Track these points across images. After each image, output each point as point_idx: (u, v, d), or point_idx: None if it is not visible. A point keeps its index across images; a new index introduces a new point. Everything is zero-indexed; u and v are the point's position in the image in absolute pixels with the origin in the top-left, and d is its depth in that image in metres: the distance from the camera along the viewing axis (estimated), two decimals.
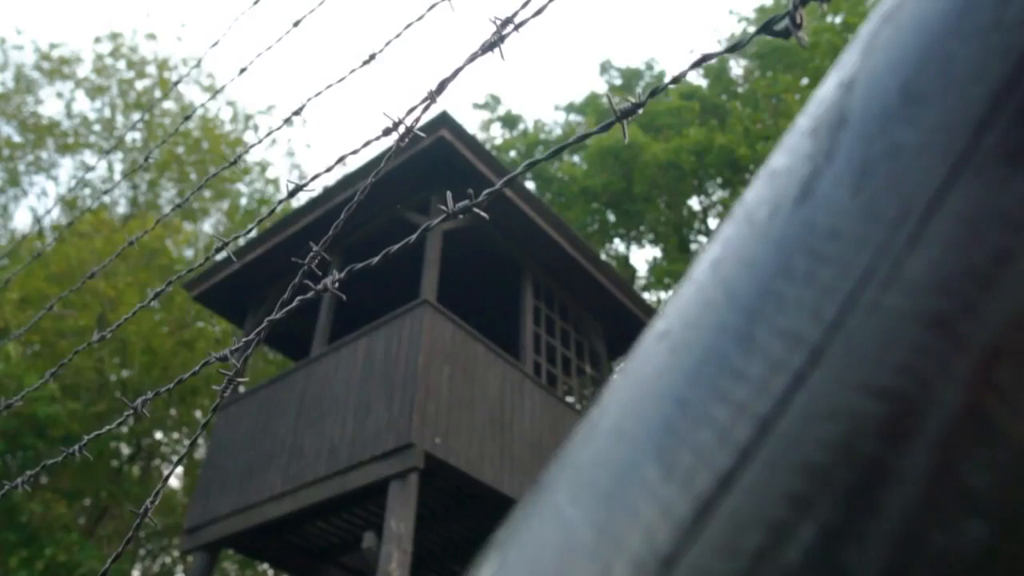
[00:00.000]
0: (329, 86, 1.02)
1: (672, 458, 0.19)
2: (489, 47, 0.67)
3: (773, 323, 0.20)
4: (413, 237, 0.69)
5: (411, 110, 0.73)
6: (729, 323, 0.21)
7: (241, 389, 8.05)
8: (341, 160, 0.80)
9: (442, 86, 0.72)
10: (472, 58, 0.68)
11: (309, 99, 1.04)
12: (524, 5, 0.67)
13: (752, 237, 0.23)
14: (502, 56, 0.67)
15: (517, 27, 0.67)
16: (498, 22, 0.67)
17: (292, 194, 0.84)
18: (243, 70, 1.29)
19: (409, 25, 0.91)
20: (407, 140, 0.75)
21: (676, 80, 0.52)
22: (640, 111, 0.50)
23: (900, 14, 0.24)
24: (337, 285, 0.72)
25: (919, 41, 0.22)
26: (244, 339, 0.76)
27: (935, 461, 0.17)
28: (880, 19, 0.25)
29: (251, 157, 17.40)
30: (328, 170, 0.81)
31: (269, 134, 1.08)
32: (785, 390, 0.19)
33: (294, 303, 0.75)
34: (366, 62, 0.95)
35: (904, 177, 0.20)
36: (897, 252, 0.19)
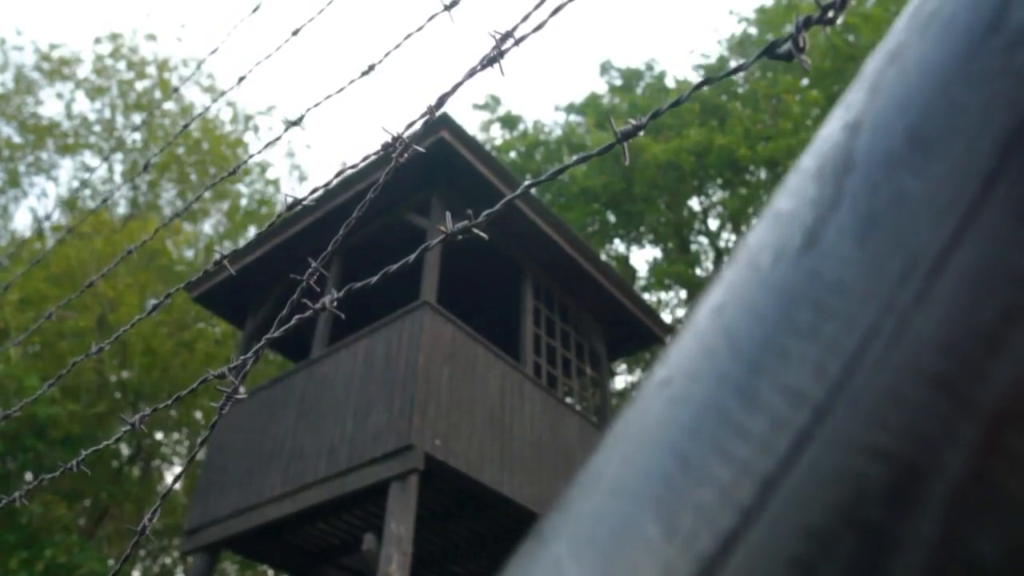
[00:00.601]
0: (328, 96, 1.02)
1: (673, 517, 0.19)
2: (489, 62, 0.67)
3: (776, 378, 0.20)
4: (412, 257, 0.69)
5: (410, 125, 0.72)
6: (731, 375, 0.21)
7: (242, 389, 8.04)
8: (340, 175, 0.80)
9: (441, 101, 0.71)
10: (471, 73, 0.68)
11: (308, 109, 1.03)
12: (524, 19, 0.67)
13: (755, 284, 0.22)
14: (502, 71, 0.66)
15: (517, 41, 0.66)
16: (497, 36, 0.67)
17: (291, 208, 0.84)
18: (242, 78, 1.29)
19: (409, 36, 0.91)
20: (406, 156, 0.74)
21: (677, 103, 0.52)
22: (641, 133, 0.50)
23: (906, 54, 0.23)
24: (336, 304, 0.72)
25: (925, 84, 0.22)
26: (242, 357, 0.76)
27: (941, 529, 0.16)
28: (885, 58, 0.24)
29: (251, 158, 17.38)
30: (327, 185, 0.81)
31: (267, 145, 1.07)
32: (789, 450, 0.18)
33: (292, 321, 0.75)
34: (365, 72, 0.95)
35: (911, 229, 0.20)
36: (903, 309, 0.19)
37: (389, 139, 0.72)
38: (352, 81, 0.96)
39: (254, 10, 1.33)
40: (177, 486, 16.75)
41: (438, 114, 5.50)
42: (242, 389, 0.72)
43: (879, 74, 0.24)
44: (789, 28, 0.40)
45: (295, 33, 1.21)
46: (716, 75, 0.49)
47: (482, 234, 0.63)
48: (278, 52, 1.23)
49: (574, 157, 0.57)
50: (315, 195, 0.89)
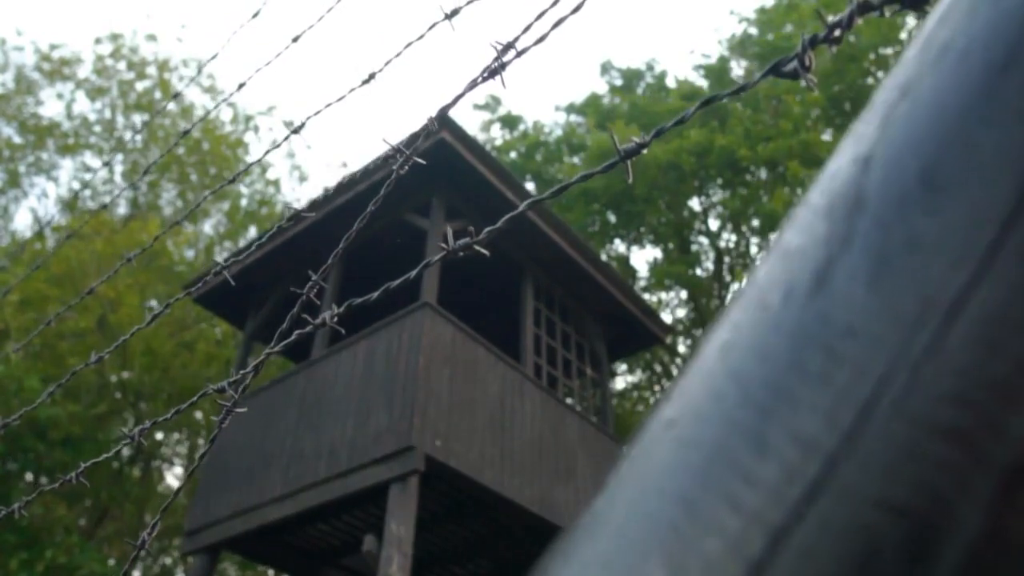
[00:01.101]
0: (329, 104, 1.01)
1: (680, 567, 0.18)
2: (490, 73, 0.66)
3: (787, 424, 0.19)
4: (413, 273, 0.68)
5: (411, 137, 0.72)
6: (740, 419, 0.20)
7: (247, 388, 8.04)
8: (339, 187, 0.80)
9: (442, 113, 0.71)
10: (473, 85, 0.67)
11: (309, 117, 1.03)
12: (525, 30, 0.66)
13: (764, 324, 0.22)
14: (503, 83, 0.66)
15: (519, 53, 0.66)
16: (499, 47, 0.66)
17: (291, 219, 0.84)
18: (242, 85, 1.28)
19: (409, 44, 0.90)
20: (407, 168, 0.74)
21: (681, 121, 0.52)
22: (644, 151, 0.50)
23: (918, 88, 0.23)
24: (335, 319, 0.71)
25: (939, 122, 0.21)
26: (242, 371, 0.76)
27: None
28: (898, 90, 0.24)
29: (251, 158, 17.38)
30: (326, 198, 0.81)
31: (267, 152, 1.07)
32: (799, 500, 0.18)
33: (292, 336, 0.75)
34: (365, 81, 0.95)
35: (924, 274, 0.19)
36: (916, 358, 0.18)
37: (390, 150, 0.72)
38: (352, 90, 0.96)
39: (254, 15, 1.32)
40: (176, 484, 16.76)
41: (439, 112, 5.50)
42: (241, 403, 0.72)
43: (890, 107, 0.24)
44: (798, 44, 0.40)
45: (295, 40, 1.20)
46: (720, 93, 0.48)
47: (483, 251, 0.63)
48: (278, 49, 1.23)
49: (577, 176, 0.56)
50: (313, 210, 0.88)
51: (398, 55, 0.91)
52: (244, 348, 8.73)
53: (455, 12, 0.81)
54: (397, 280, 0.71)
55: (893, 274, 0.20)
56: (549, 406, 7.66)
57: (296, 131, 1.06)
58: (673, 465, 0.21)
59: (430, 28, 0.85)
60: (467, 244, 0.63)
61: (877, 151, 0.23)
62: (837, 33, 0.39)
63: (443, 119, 5.77)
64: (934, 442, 0.17)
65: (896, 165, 0.22)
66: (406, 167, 0.74)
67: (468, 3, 0.81)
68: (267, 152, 1.06)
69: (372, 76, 0.94)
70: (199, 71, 1.57)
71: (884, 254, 0.21)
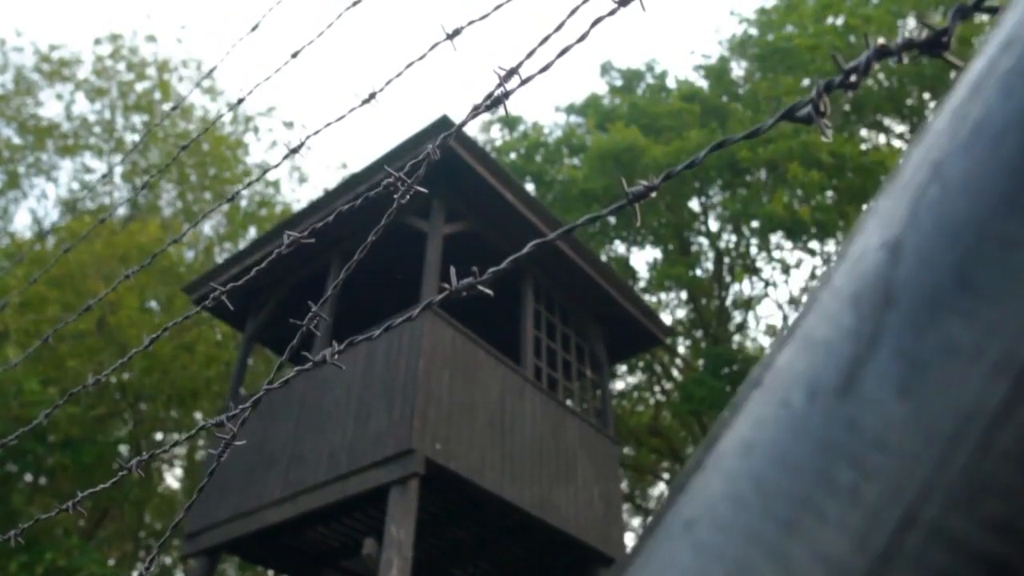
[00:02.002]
0: (328, 124, 1.00)
1: None
2: (494, 102, 0.65)
3: (813, 543, 0.18)
4: (416, 312, 0.67)
5: (412, 163, 0.71)
6: (763, 533, 0.19)
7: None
8: (341, 213, 0.78)
9: (444, 140, 0.70)
10: (475, 113, 0.66)
11: (308, 136, 1.02)
12: (529, 55, 0.65)
13: (787, 425, 0.21)
14: (506, 112, 0.65)
15: (524, 81, 0.65)
16: (502, 72, 0.65)
17: (290, 246, 0.83)
18: (241, 100, 1.27)
19: (410, 64, 0.89)
20: (408, 197, 0.73)
21: (691, 165, 0.50)
22: (653, 194, 0.49)
23: (951, 170, 0.21)
24: (336, 356, 0.70)
25: (974, 213, 0.20)
26: (240, 407, 0.75)
27: None
28: (927, 169, 0.22)
29: (251, 159, 17.38)
30: (325, 223, 0.80)
31: (265, 172, 1.06)
32: None
33: (293, 372, 0.74)
34: (366, 101, 0.93)
35: (960, 384, 0.18)
36: (953, 477, 0.17)
37: (392, 178, 0.71)
38: (353, 109, 0.95)
39: (252, 28, 1.31)
40: (176, 486, 16.75)
41: (439, 114, 5.47)
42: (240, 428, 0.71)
43: (920, 189, 0.22)
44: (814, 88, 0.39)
45: (294, 55, 1.19)
46: (732, 137, 0.47)
47: (487, 291, 0.62)
48: (277, 54, 1.22)
49: (584, 218, 0.55)
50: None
51: (399, 75, 0.90)
52: (244, 349, 8.72)
53: (456, 32, 0.80)
54: (399, 319, 0.70)
55: (926, 382, 0.19)
56: (549, 408, 7.65)
57: (296, 150, 1.04)
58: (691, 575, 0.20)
59: (432, 48, 0.84)
60: (470, 285, 0.61)
61: (907, 239, 0.22)
62: (854, 78, 0.37)
63: (443, 123, 5.77)
64: (974, 572, 0.16)
65: (928, 259, 0.21)
66: (407, 196, 0.72)
67: (469, 23, 0.79)
68: (265, 172, 1.05)
69: (373, 96, 0.92)
70: (198, 84, 1.56)
71: (916, 359, 0.19)
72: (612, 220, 14.48)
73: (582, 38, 0.61)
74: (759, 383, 0.23)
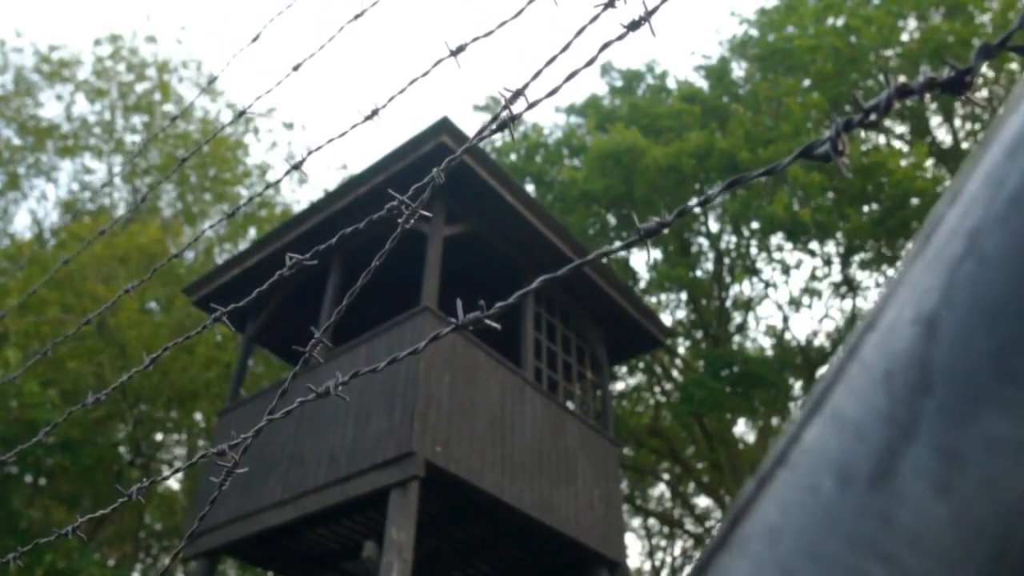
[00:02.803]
0: (330, 140, 0.99)
1: None
2: (500, 126, 0.64)
3: None
4: (422, 345, 0.66)
5: (416, 188, 0.70)
6: None
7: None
8: (343, 237, 0.77)
9: (448, 166, 0.69)
10: (480, 137, 0.65)
11: (310, 152, 1.01)
12: (535, 76, 0.64)
13: (816, 513, 0.20)
14: (512, 136, 0.64)
15: (531, 105, 0.64)
16: (507, 95, 0.64)
17: (292, 268, 0.82)
18: (242, 113, 1.26)
19: (413, 81, 0.88)
20: (412, 222, 0.72)
21: (706, 202, 0.50)
22: (666, 231, 0.48)
23: (988, 244, 0.20)
24: (340, 388, 0.69)
25: (1015, 294, 0.19)
26: (242, 436, 0.74)
27: None
28: (963, 239, 0.21)
29: (252, 160, 17.36)
30: (328, 249, 0.79)
31: (268, 187, 1.05)
32: None
33: (295, 404, 0.73)
34: (368, 117, 0.92)
35: (1003, 486, 0.17)
36: None
37: (395, 203, 0.70)
38: (355, 125, 0.94)
39: (253, 39, 1.31)
40: (176, 485, 16.74)
41: (439, 116, 5.47)
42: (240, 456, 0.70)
43: (956, 261, 0.21)
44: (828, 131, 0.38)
45: (296, 68, 1.18)
46: (749, 174, 0.46)
47: (494, 324, 0.61)
48: (279, 81, 1.21)
49: (595, 253, 0.54)
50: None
51: (402, 91, 0.89)
52: (244, 351, 8.70)
53: (460, 49, 0.79)
54: (404, 352, 0.69)
55: (967, 479, 0.18)
56: (549, 410, 7.64)
57: (297, 167, 1.03)
58: None
59: (435, 64, 0.83)
60: (477, 319, 0.61)
61: (942, 316, 0.21)
62: (873, 117, 0.36)
63: (444, 125, 5.76)
64: None
65: (966, 343, 0.20)
66: (411, 221, 0.72)
67: (474, 40, 0.78)
68: (267, 188, 1.04)
69: (375, 112, 0.91)
70: (201, 91, 1.55)
71: (956, 453, 0.18)
72: (612, 220, 14.47)
73: (590, 62, 0.61)
74: (786, 461, 0.22)
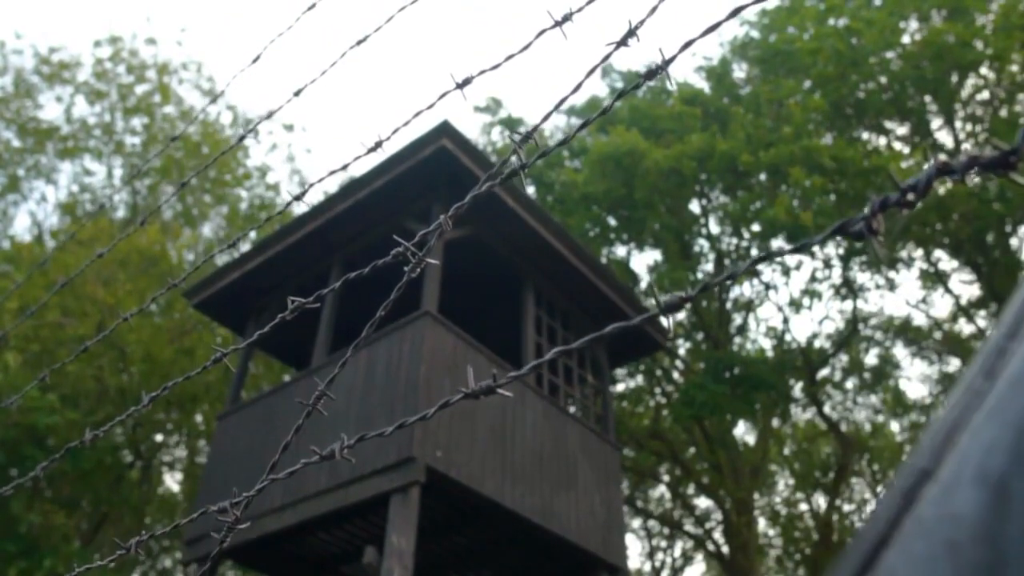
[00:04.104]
0: (333, 172, 0.97)
1: None
2: (511, 174, 0.62)
3: None
4: (431, 411, 0.64)
5: (423, 234, 0.68)
6: None
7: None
8: (346, 281, 0.76)
9: (457, 211, 0.67)
10: (490, 182, 0.63)
11: (312, 185, 0.99)
12: (544, 119, 0.62)
13: None
14: (523, 184, 0.62)
15: (542, 154, 0.62)
16: (516, 139, 0.62)
17: (294, 311, 0.80)
18: (243, 137, 1.24)
19: (418, 113, 0.86)
20: (419, 270, 0.70)
21: (731, 277, 0.48)
22: (688, 305, 0.46)
23: None
24: (345, 451, 0.68)
25: None
26: (244, 495, 0.72)
27: None
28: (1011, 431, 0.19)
29: (252, 162, 17.34)
30: (332, 290, 0.77)
31: (269, 219, 1.03)
32: None
33: (299, 465, 0.71)
34: (372, 149, 0.90)
35: None
36: None
37: (401, 248, 0.68)
38: (358, 157, 0.92)
39: (254, 60, 1.29)
40: (176, 487, 16.71)
41: (439, 119, 5.42)
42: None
43: (1021, 418, 0.19)
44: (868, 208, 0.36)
45: (297, 94, 1.16)
46: (779, 250, 0.44)
47: (506, 392, 0.59)
48: (280, 105, 1.19)
49: (611, 327, 0.52)
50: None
51: (406, 124, 0.87)
52: (244, 354, 8.68)
53: (467, 82, 0.77)
54: (412, 418, 0.67)
55: None
56: (550, 415, 7.61)
57: (299, 197, 1.01)
58: None
59: (441, 97, 0.81)
60: (489, 388, 0.59)
61: (1013, 484, 0.18)
62: (911, 197, 0.34)
63: (444, 128, 5.72)
64: None
65: None
66: (418, 270, 0.70)
67: (481, 73, 0.76)
68: (268, 219, 1.02)
69: (379, 144, 0.89)
70: (203, 110, 1.52)
71: None
72: (612, 222, 14.45)
73: (603, 111, 0.59)
74: None
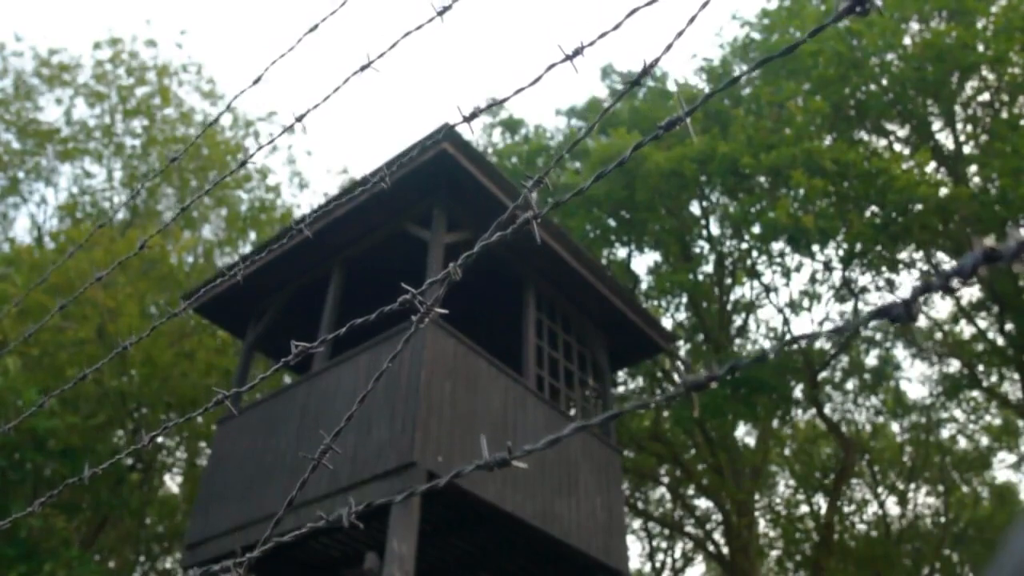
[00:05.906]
0: (336, 198, 0.95)
1: None
2: (523, 223, 0.61)
3: None
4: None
5: (431, 283, 0.66)
6: None
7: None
8: (351, 326, 0.74)
9: (466, 260, 0.65)
10: (504, 236, 0.61)
11: (313, 213, 0.97)
12: (555, 162, 0.60)
13: None
14: (536, 238, 0.60)
15: (556, 204, 0.60)
16: (526, 186, 0.60)
17: (297, 357, 0.78)
18: (243, 163, 1.22)
19: (424, 149, 0.84)
20: (427, 321, 0.68)
21: (762, 359, 0.45)
22: (714, 384, 0.44)
23: None
24: (353, 515, 0.66)
25: None
26: (247, 555, 0.70)
27: None
28: None
29: (251, 163, 17.31)
30: (336, 337, 0.75)
31: (270, 242, 1.01)
32: None
33: (304, 528, 0.69)
34: (376, 182, 0.89)
35: None
36: None
37: (408, 296, 0.66)
38: (363, 189, 0.90)
39: (254, 81, 1.27)
40: (176, 489, 16.70)
41: (440, 122, 5.39)
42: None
43: None
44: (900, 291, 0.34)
45: (299, 119, 1.14)
46: (810, 334, 0.42)
47: (521, 464, 0.57)
48: (283, 130, 1.17)
49: (632, 404, 0.50)
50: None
51: (411, 158, 0.85)
52: (244, 357, 8.66)
53: (474, 115, 0.75)
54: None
55: None
56: (551, 418, 7.60)
57: (299, 223, 1.00)
58: None
59: (453, 127, 0.79)
60: (504, 460, 0.57)
61: None
62: (955, 283, 0.33)
63: (446, 131, 5.67)
64: None
65: None
66: (426, 320, 0.68)
67: (488, 107, 0.75)
68: (269, 243, 1.00)
69: (383, 178, 0.88)
70: (209, 125, 1.51)
71: None
72: (612, 223, 14.43)
73: (620, 163, 0.57)
74: None
